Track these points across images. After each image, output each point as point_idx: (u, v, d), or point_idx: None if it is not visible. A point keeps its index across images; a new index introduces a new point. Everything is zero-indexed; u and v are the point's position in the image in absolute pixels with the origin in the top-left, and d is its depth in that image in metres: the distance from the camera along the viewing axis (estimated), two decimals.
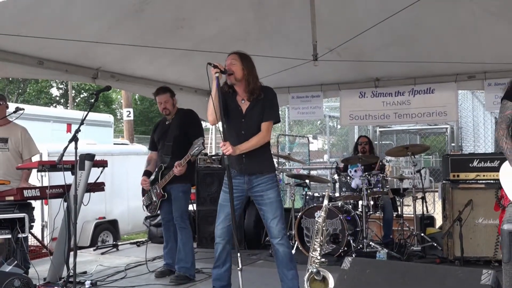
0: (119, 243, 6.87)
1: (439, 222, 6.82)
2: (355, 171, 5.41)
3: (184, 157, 4.62)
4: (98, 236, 7.88)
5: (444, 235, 4.99)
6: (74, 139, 3.85)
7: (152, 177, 5.04)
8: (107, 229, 8.18)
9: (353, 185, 5.43)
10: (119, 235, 8.35)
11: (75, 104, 28.22)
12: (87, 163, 4.56)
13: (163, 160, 4.93)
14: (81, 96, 30.26)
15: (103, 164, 4.91)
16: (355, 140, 6.84)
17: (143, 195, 5.15)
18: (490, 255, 4.85)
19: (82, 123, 3.93)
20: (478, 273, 2.39)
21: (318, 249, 3.00)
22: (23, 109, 4.86)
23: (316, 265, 2.96)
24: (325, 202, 3.06)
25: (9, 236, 4.18)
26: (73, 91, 28.43)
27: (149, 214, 5.50)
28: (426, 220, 6.31)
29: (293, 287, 3.76)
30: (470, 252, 4.87)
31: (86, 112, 4.21)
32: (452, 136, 8.06)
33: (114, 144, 12.31)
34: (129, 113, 15.68)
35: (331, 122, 12.45)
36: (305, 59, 5.74)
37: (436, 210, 7.10)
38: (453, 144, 8.07)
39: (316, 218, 3.06)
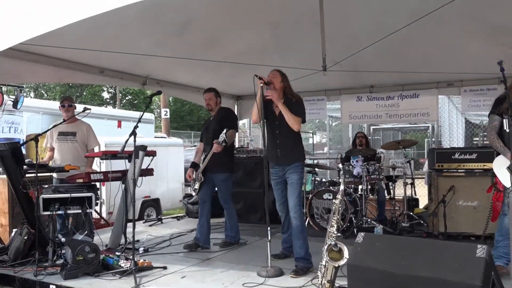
0: (163, 217, 6.84)
1: (421, 203, 6.75)
2: (357, 161, 5.33)
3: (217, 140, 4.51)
4: (144, 211, 7.87)
5: (430, 214, 4.91)
6: (133, 134, 3.81)
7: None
8: (151, 205, 8.16)
9: (355, 172, 5.35)
10: (160, 210, 8.33)
11: (121, 105, 28.30)
12: (140, 153, 4.53)
13: (205, 149, 4.84)
14: (126, 98, 30.34)
15: (152, 153, 4.90)
16: (354, 135, 6.73)
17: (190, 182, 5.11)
18: (469, 231, 4.77)
19: (139, 121, 3.90)
20: (473, 247, 2.32)
21: (335, 225, 2.95)
22: (90, 108, 4.85)
23: (333, 239, 2.90)
24: (341, 187, 3.00)
25: (80, 211, 4.18)
26: (120, 94, 28.50)
27: (194, 191, 5.06)
28: (412, 202, 6.22)
29: (300, 253, 3.86)
30: (452, 229, 4.78)
31: (142, 113, 4.23)
32: (433, 133, 7.94)
33: (155, 137, 12.31)
34: (166, 112, 15.70)
35: (326, 120, 12.32)
36: (315, 69, 5.67)
37: (418, 193, 6.97)
38: (433, 139, 7.95)
39: (334, 200, 2.99)
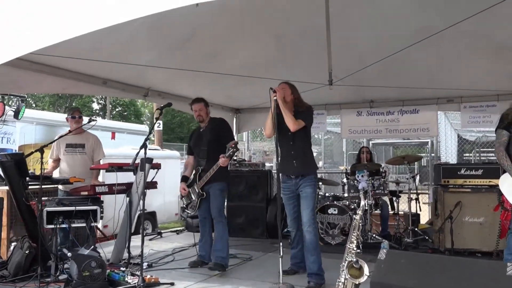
0: (163, 231, 6.71)
1: (422, 218, 6.73)
2: (362, 176, 5.31)
3: (225, 154, 4.25)
4: (140, 224, 7.72)
5: (437, 230, 4.89)
6: (144, 146, 3.74)
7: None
8: (148, 219, 7.99)
9: (360, 187, 5.32)
10: (157, 224, 8.20)
11: (111, 116, 28.06)
12: (146, 165, 4.47)
13: (199, 163, 4.57)
14: (116, 109, 30.13)
15: (157, 166, 4.83)
16: (358, 150, 6.73)
17: (181, 197, 4.72)
18: (476, 247, 4.77)
19: (150, 133, 3.86)
20: (503, 265, 2.29)
21: (355, 241, 2.89)
22: (96, 120, 4.77)
23: (353, 255, 2.85)
24: (362, 202, 2.95)
25: (84, 224, 4.07)
26: (110, 106, 28.29)
27: (189, 212, 4.71)
28: (413, 217, 6.19)
29: (312, 269, 3.83)
30: (458, 245, 4.76)
31: (152, 125, 4.17)
32: (432, 148, 7.99)
33: (149, 149, 12.15)
34: (159, 125, 15.59)
35: (316, 135, 12.28)
36: (320, 84, 5.66)
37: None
38: (433, 155, 8.00)
39: (354, 216, 2.95)
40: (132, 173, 4.75)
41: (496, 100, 6.45)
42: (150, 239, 6.13)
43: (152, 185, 4.84)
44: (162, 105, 4.19)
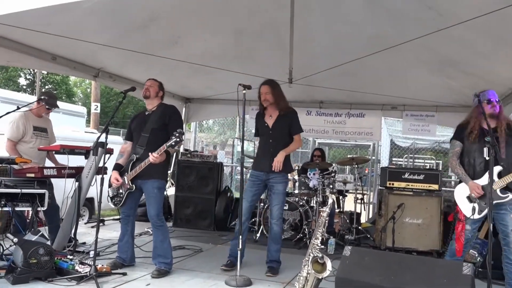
0: (105, 219, 6.44)
1: (362, 217, 7.05)
2: (313, 174, 5.47)
3: (159, 148, 3.68)
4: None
5: (381, 229, 5.15)
6: (106, 130, 3.57)
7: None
8: (85, 205, 7.61)
9: (311, 184, 5.48)
10: (94, 210, 7.84)
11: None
12: (100, 150, 4.26)
13: (136, 151, 3.94)
14: (46, 87, 28.24)
15: (110, 151, 4.62)
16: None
17: (109, 186, 4.06)
18: (413, 246, 5.10)
19: (113, 117, 3.66)
20: (459, 265, 2.49)
21: (320, 237, 2.99)
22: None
23: (317, 251, 2.94)
24: (330, 200, 3.06)
25: (30, 208, 3.81)
26: (40, 82, 26.45)
27: (112, 206, 4.12)
28: (353, 216, 6.47)
29: (275, 257, 4.13)
30: (398, 243, 5.03)
31: (115, 109, 3.95)
32: (373, 151, 8.39)
33: (85, 132, 11.58)
34: (97, 107, 14.96)
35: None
36: (279, 81, 5.71)
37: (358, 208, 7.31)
38: (373, 157, 8.40)
39: (321, 213, 3.04)
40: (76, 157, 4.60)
41: (435, 111, 6.92)
42: (92, 227, 5.87)
43: (104, 170, 4.61)
44: (125, 89, 4.02)
